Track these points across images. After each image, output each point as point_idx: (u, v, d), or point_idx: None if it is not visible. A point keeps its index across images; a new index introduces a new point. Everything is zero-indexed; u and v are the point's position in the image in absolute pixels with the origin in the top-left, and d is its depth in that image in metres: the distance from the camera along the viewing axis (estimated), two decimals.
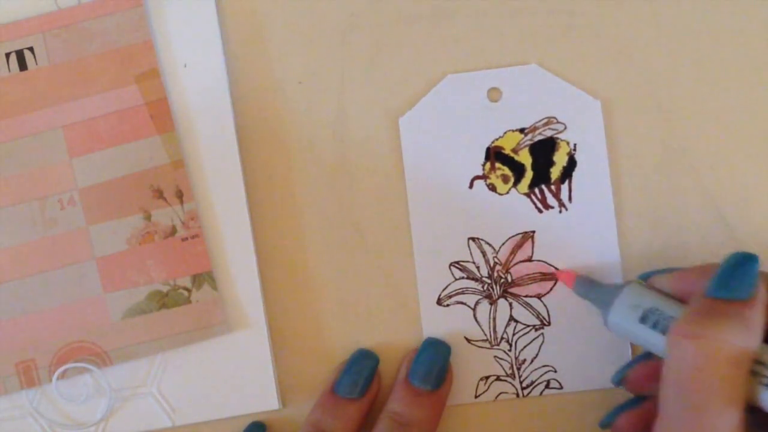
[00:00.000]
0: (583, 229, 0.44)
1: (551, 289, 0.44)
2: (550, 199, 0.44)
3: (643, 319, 0.38)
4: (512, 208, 0.44)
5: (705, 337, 0.34)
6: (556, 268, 0.44)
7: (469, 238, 0.44)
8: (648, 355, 0.40)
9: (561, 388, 0.44)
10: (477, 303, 0.44)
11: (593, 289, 0.42)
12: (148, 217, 0.43)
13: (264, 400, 0.43)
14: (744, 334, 0.34)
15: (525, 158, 0.44)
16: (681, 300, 0.38)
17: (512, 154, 0.44)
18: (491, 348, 0.44)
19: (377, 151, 0.45)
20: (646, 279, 0.40)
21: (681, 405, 0.34)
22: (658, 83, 0.44)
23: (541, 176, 0.44)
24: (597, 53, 0.45)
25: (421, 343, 0.43)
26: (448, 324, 0.44)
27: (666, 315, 0.38)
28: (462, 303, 0.44)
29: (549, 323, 0.44)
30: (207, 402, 0.43)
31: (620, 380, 0.41)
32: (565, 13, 0.45)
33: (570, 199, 0.44)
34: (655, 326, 0.38)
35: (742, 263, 0.36)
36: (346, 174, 0.45)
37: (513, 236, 0.44)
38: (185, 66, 0.44)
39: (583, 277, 0.43)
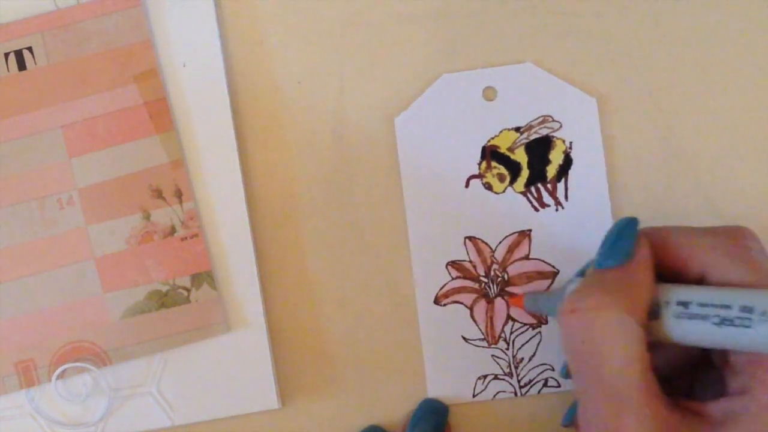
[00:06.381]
0: (579, 227, 0.44)
1: (548, 288, 0.44)
2: (547, 198, 0.44)
3: None
4: (509, 207, 0.44)
5: (582, 309, 0.35)
6: (553, 267, 0.44)
7: (465, 237, 0.44)
8: None
9: (559, 386, 0.44)
10: (474, 302, 0.44)
11: (541, 299, 0.42)
12: (147, 217, 0.43)
13: (264, 400, 0.43)
14: (621, 298, 0.34)
15: (521, 157, 0.44)
16: None
17: (508, 153, 0.44)
18: (489, 347, 0.44)
19: (375, 151, 0.45)
20: (584, 272, 0.41)
21: (581, 382, 0.35)
22: (654, 80, 0.45)
23: (537, 175, 0.44)
24: (592, 51, 0.45)
25: (418, 405, 0.44)
26: (446, 323, 0.44)
27: None
28: (459, 302, 0.44)
29: (546, 322, 0.44)
30: (206, 401, 0.43)
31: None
32: (559, 11, 0.45)
33: (566, 197, 0.44)
34: None
35: (621, 230, 0.37)
36: (344, 174, 0.45)
37: (509, 235, 0.44)
38: (184, 65, 0.44)
39: (530, 293, 0.43)
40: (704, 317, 0.34)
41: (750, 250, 0.35)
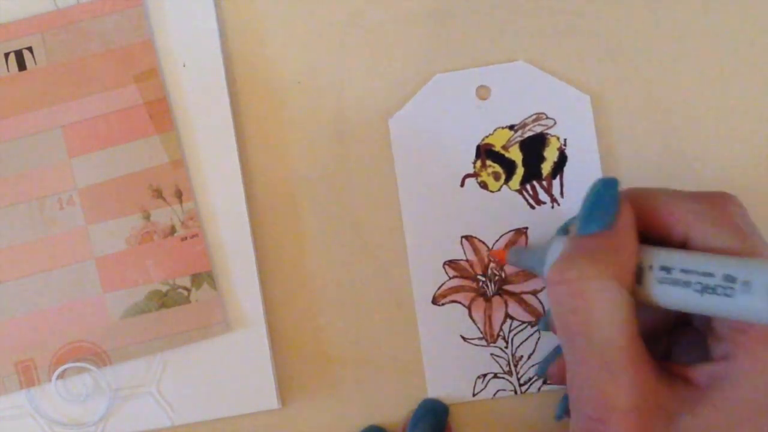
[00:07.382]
0: None
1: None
2: (542, 195, 0.44)
3: None
4: (504, 205, 0.44)
5: (570, 280, 0.34)
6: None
7: (462, 237, 0.44)
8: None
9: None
10: (472, 301, 0.44)
11: (524, 254, 0.41)
12: (147, 217, 0.43)
13: (263, 400, 0.43)
14: (609, 265, 0.34)
15: (515, 155, 0.45)
16: None
17: (503, 151, 0.45)
18: (488, 346, 0.44)
19: (373, 152, 0.45)
20: (566, 229, 0.40)
21: (571, 350, 0.35)
22: (646, 76, 0.45)
23: (533, 172, 0.45)
24: (584, 48, 0.45)
25: (418, 405, 0.44)
26: (444, 323, 0.44)
27: None
28: (457, 302, 0.44)
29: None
30: (206, 401, 0.43)
31: (543, 375, 0.42)
32: (552, 9, 0.45)
33: (562, 194, 0.44)
34: None
35: (603, 192, 0.36)
36: (344, 174, 0.45)
37: (506, 233, 0.44)
38: (184, 65, 0.44)
39: (514, 248, 0.43)
40: (687, 283, 0.33)
41: (734, 216, 0.35)
